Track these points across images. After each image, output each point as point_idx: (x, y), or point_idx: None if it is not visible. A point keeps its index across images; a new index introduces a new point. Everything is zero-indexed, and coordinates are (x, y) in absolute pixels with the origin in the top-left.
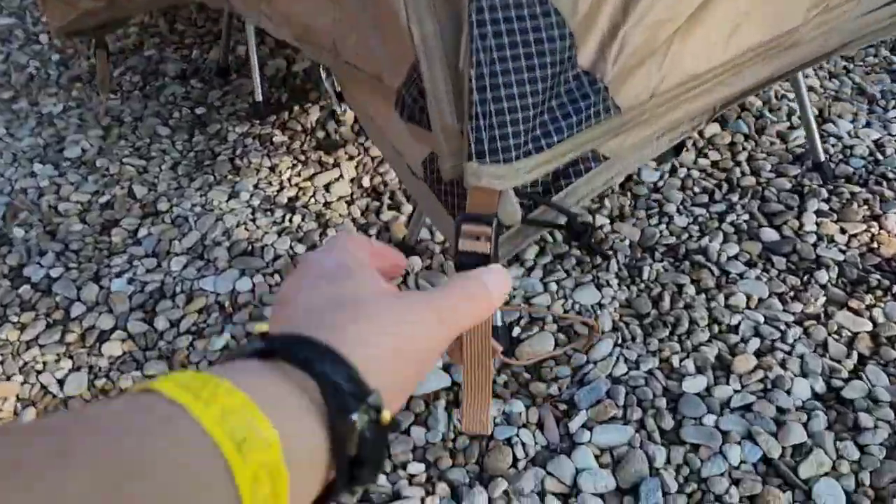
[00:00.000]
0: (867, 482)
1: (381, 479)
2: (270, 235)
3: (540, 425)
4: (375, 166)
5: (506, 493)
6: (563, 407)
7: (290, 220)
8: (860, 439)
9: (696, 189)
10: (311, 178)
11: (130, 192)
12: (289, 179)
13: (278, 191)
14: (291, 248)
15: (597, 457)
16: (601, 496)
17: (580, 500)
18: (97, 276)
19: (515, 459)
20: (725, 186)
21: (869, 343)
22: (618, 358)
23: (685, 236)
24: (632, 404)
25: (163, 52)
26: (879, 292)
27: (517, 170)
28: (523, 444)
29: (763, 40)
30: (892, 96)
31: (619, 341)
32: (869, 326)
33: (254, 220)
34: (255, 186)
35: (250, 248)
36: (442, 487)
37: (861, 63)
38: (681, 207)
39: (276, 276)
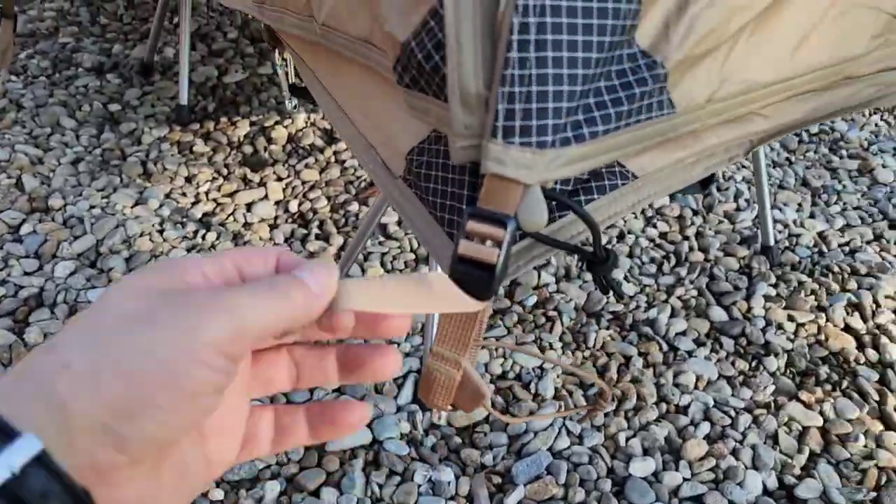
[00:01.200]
0: None
1: None
2: (178, 251)
3: (470, 499)
4: (306, 191)
5: None
6: (497, 480)
7: (203, 237)
8: None
9: (645, 258)
10: (231, 194)
11: (19, 182)
12: (206, 193)
13: (193, 203)
14: None
15: None
16: None
17: None
18: None
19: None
20: (674, 259)
21: (819, 439)
22: (560, 429)
23: (633, 306)
24: (574, 483)
25: (80, 41)
26: (828, 386)
27: (550, 161)
28: None
29: (827, 62)
30: (832, 191)
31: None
32: (819, 422)
33: (161, 232)
34: (168, 195)
35: (153, 261)
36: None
37: (802, 157)
38: (629, 275)
39: None
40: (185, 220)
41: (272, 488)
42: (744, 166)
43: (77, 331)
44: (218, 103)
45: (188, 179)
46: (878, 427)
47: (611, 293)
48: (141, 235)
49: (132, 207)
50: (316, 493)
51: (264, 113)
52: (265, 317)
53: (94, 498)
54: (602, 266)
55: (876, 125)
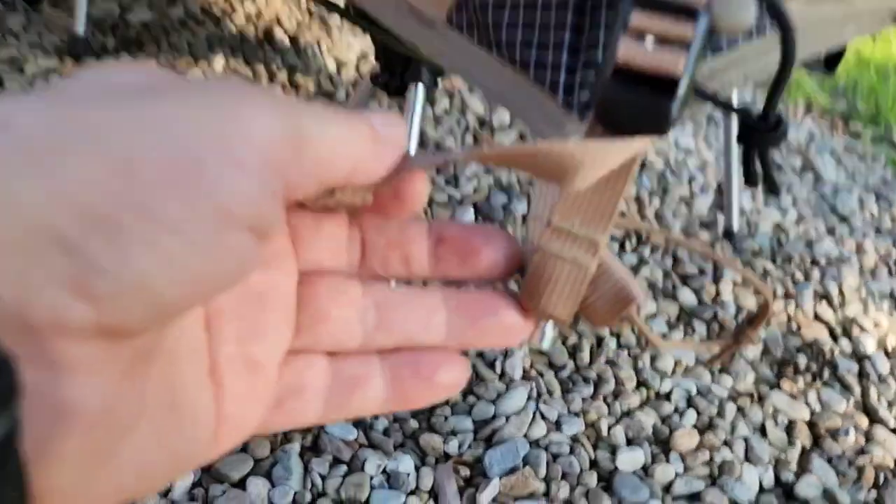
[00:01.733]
0: None
1: None
2: None
3: (434, 493)
4: None
5: None
6: (465, 472)
7: None
8: None
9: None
10: None
11: None
12: None
13: None
14: None
15: None
16: None
17: None
18: None
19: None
20: (635, 238)
21: (808, 433)
22: (534, 414)
23: None
24: (556, 477)
25: None
26: (808, 377)
27: None
28: None
29: None
30: (782, 184)
31: (535, 394)
32: (806, 414)
33: None
34: None
35: None
36: None
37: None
38: None
39: None
40: None
41: (182, 478)
42: (698, 150)
43: (34, 95)
44: (119, 42)
45: None
46: (865, 421)
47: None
48: None
49: None
50: (241, 485)
51: (175, 55)
52: (329, 134)
53: (22, 382)
54: (767, 136)
55: (810, 130)
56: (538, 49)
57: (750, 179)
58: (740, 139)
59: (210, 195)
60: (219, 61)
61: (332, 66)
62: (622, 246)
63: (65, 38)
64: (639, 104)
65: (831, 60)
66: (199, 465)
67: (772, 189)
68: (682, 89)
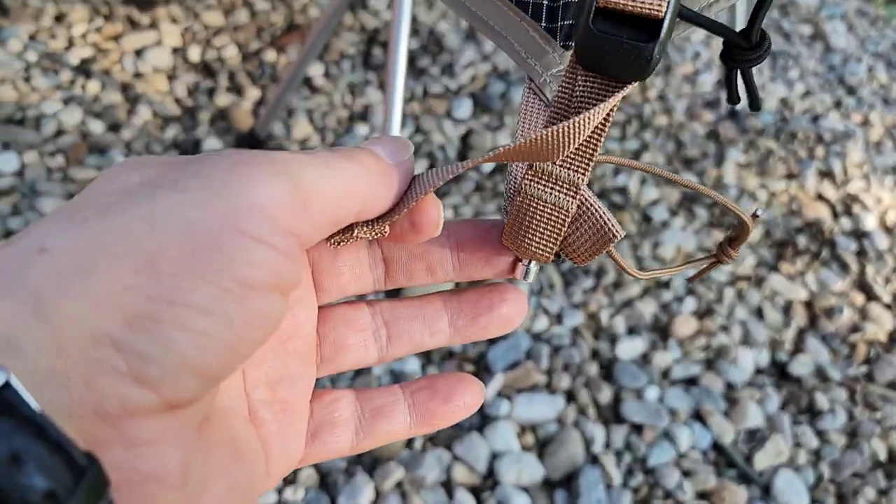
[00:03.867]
0: (827, 475)
1: None
2: (53, 103)
3: None
4: (209, 37)
5: (399, 484)
6: (470, 368)
7: (84, 88)
8: (817, 424)
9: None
10: (115, 38)
11: None
12: (83, 35)
13: (66, 48)
14: (84, 122)
15: (518, 436)
16: (525, 490)
17: (499, 494)
18: None
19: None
20: (636, 123)
21: (804, 313)
22: (536, 310)
23: (600, 172)
24: (557, 369)
25: None
26: (807, 257)
27: None
28: None
29: None
30: (788, 57)
31: (536, 288)
32: (803, 294)
33: (27, 80)
34: (32, 37)
35: (20, 115)
36: (307, 475)
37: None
38: None
39: (59, 157)
40: (57, 66)
41: None
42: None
43: (57, 212)
44: None
45: (58, 19)
46: (860, 298)
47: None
48: (1, 83)
49: None
50: None
51: None
52: (331, 181)
53: (104, 466)
54: (750, 54)
55: None
56: None
57: (731, 98)
58: (722, 57)
59: (232, 272)
60: None
61: None
62: (623, 131)
63: None
64: (621, 46)
65: None
66: (259, 498)
67: (754, 106)
68: (664, 30)
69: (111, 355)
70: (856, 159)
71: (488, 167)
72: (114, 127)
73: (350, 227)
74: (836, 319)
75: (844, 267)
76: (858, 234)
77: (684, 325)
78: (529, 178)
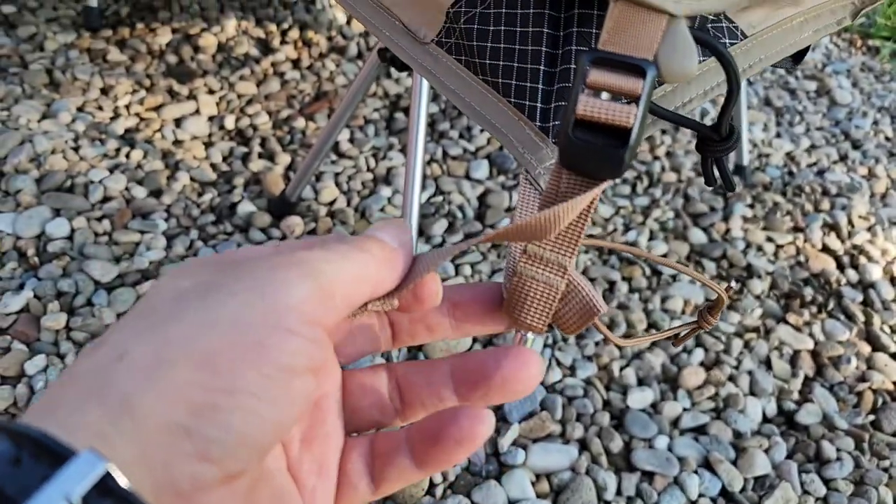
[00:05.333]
0: None
1: None
2: (99, 171)
3: None
4: (243, 105)
5: None
6: None
7: (128, 156)
8: (825, 472)
9: (617, 179)
10: (156, 108)
11: None
12: (127, 106)
13: (112, 118)
14: (128, 188)
15: (533, 483)
16: None
17: None
18: None
19: (432, 485)
20: (646, 180)
21: (811, 363)
22: (550, 361)
23: (611, 228)
24: (571, 419)
25: None
26: (814, 308)
27: None
28: None
29: None
30: (795, 112)
31: (550, 341)
32: (810, 344)
33: (76, 149)
34: (81, 109)
35: (69, 182)
36: None
37: (760, 77)
38: (603, 196)
39: (106, 222)
40: (104, 136)
41: None
42: None
43: (127, 320)
44: (132, 8)
45: (104, 91)
46: (866, 348)
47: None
48: (53, 153)
49: (39, 121)
50: None
51: (187, 20)
52: (347, 272)
53: None
54: (721, 145)
55: (826, 48)
56: (517, 76)
57: (708, 182)
58: (697, 148)
59: (275, 362)
60: (230, 23)
61: (342, 20)
62: (634, 188)
63: (79, 11)
64: (596, 152)
65: (798, 55)
66: None
67: (728, 188)
68: (633, 138)
69: (182, 441)
70: (861, 211)
71: (504, 223)
72: (155, 192)
73: (365, 304)
74: (843, 369)
75: (851, 317)
76: (864, 286)
77: (693, 375)
78: (524, 261)
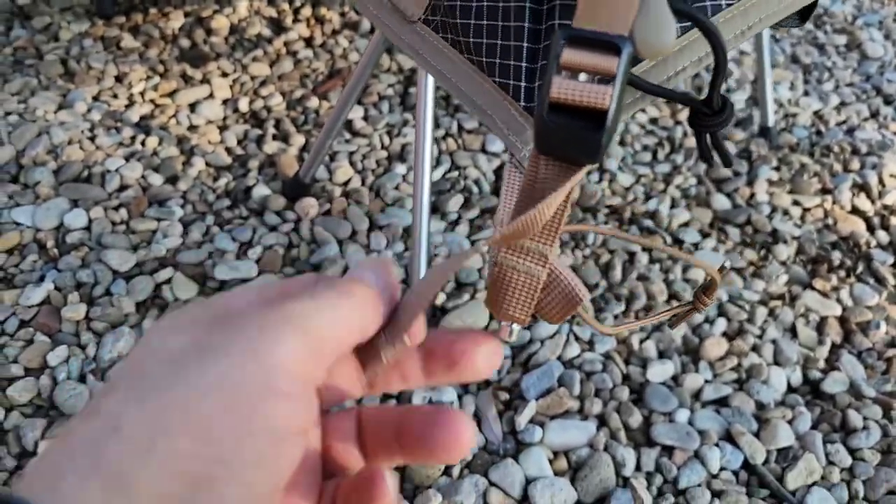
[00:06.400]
0: (861, 493)
1: None
2: (115, 159)
3: (478, 419)
4: (256, 87)
5: None
6: (504, 396)
7: (144, 143)
8: (850, 442)
9: (637, 146)
10: (171, 94)
11: None
12: (141, 93)
13: (127, 105)
14: (144, 176)
15: (551, 461)
16: None
17: None
18: None
19: (448, 464)
20: (668, 146)
21: (839, 329)
22: (568, 336)
23: (631, 197)
24: (589, 394)
25: None
26: (842, 273)
27: None
28: None
29: None
30: (823, 68)
31: (569, 317)
32: (837, 310)
33: (93, 139)
34: (96, 98)
35: (86, 172)
36: None
37: (787, 34)
38: (622, 165)
39: (122, 211)
40: (119, 124)
41: None
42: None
43: (119, 384)
44: None
45: (118, 79)
46: None
47: (717, 158)
48: (69, 143)
49: (55, 112)
50: None
51: (199, 2)
52: (335, 322)
53: None
54: (714, 119)
55: (857, 1)
56: (501, 54)
57: (704, 157)
58: (690, 122)
59: (268, 427)
60: (243, 3)
61: None
62: (654, 155)
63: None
64: (572, 136)
65: (804, 12)
66: None
67: (725, 163)
68: (609, 120)
69: None
70: (893, 170)
71: None
72: (171, 179)
73: (379, 358)
74: (871, 335)
75: (881, 281)
76: (895, 247)
77: (715, 346)
78: (504, 251)
